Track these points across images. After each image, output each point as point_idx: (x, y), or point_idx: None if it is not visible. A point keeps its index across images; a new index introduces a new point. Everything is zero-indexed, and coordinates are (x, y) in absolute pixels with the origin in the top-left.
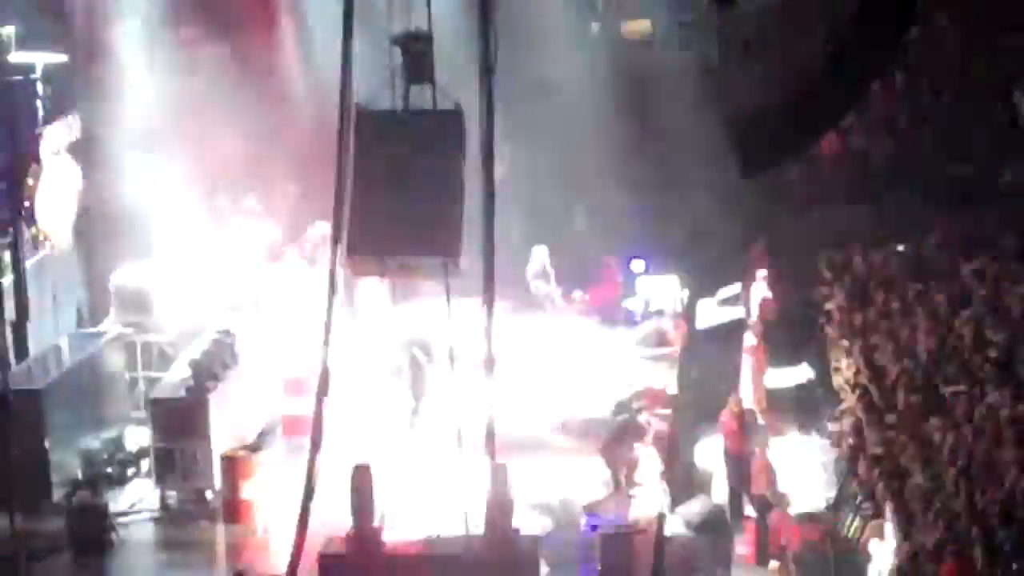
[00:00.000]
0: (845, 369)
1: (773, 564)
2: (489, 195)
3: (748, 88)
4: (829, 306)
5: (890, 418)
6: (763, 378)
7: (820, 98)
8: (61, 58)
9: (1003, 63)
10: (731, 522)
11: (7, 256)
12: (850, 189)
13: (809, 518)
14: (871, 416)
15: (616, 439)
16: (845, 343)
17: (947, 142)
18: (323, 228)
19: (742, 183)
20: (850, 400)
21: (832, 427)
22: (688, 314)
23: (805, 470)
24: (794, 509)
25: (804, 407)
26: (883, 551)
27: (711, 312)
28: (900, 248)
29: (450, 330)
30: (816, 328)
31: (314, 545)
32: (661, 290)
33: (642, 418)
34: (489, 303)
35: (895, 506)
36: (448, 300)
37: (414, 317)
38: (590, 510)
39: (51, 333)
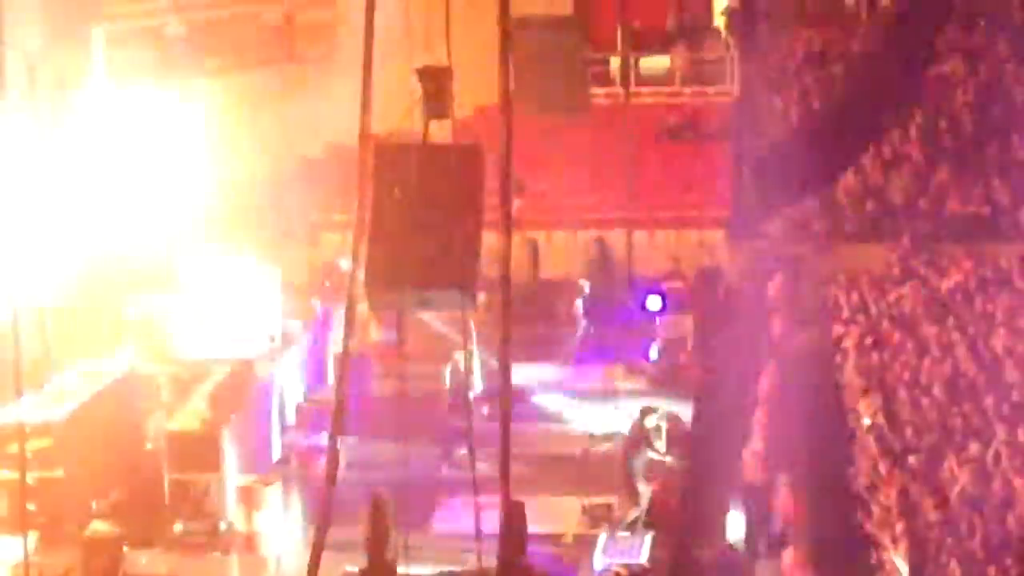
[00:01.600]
0: (861, 408)
1: None
2: (506, 229)
3: (769, 123)
4: (845, 344)
5: (906, 458)
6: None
7: (839, 134)
8: None
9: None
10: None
11: None
12: (867, 226)
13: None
14: (887, 458)
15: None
16: (861, 382)
17: (964, 180)
18: (342, 263)
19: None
20: (866, 440)
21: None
22: (701, 352)
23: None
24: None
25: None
26: None
27: (724, 349)
28: (917, 286)
29: (468, 363)
30: (833, 367)
31: None
32: (678, 327)
33: (651, 422)
34: (505, 336)
35: (909, 545)
36: (464, 336)
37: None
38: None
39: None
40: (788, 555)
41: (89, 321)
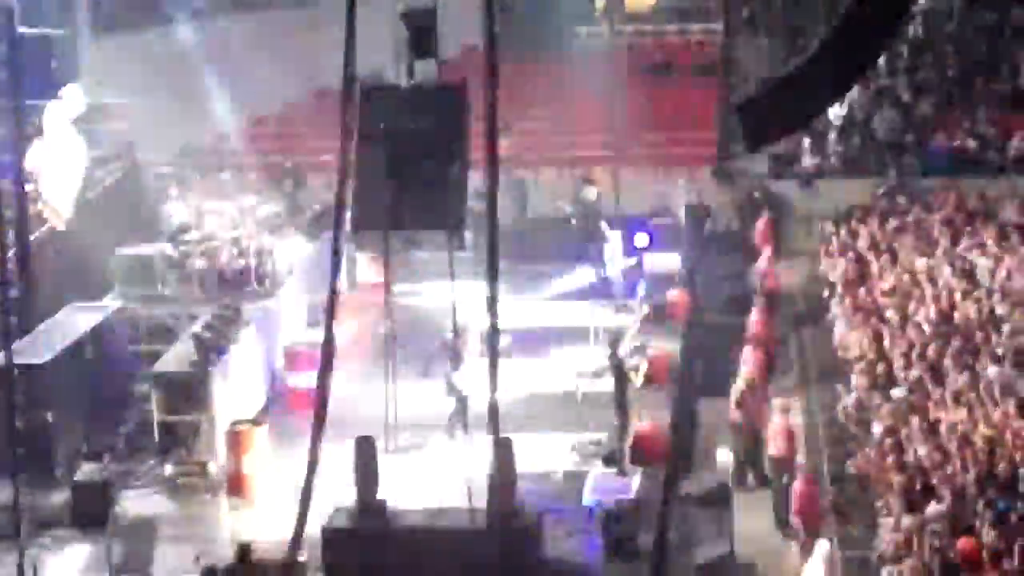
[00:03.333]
0: (851, 343)
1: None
2: (492, 167)
3: (753, 61)
4: (833, 279)
5: (895, 392)
6: (771, 350)
7: (824, 70)
8: (66, 31)
9: (1007, 37)
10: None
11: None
12: (853, 161)
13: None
14: (876, 391)
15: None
16: (850, 317)
17: (950, 114)
18: (327, 201)
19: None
20: (855, 373)
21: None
22: (691, 288)
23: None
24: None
25: (808, 380)
26: (885, 525)
27: (713, 286)
28: (906, 220)
29: (454, 303)
30: (821, 302)
31: (317, 518)
32: (664, 264)
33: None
34: (492, 276)
35: (899, 479)
36: (452, 274)
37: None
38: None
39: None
40: (797, 482)
41: (79, 263)
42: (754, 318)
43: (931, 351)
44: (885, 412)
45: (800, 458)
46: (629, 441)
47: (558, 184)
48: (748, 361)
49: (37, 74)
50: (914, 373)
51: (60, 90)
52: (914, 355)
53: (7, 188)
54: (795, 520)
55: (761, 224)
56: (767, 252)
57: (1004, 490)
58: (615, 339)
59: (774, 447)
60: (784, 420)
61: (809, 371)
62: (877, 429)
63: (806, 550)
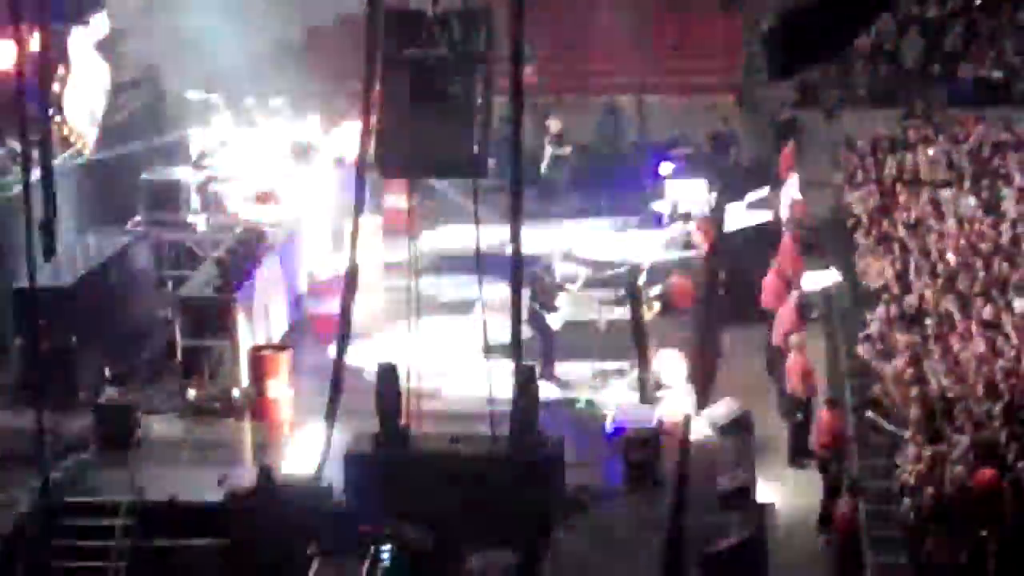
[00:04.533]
0: (874, 275)
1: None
2: (516, 94)
3: None
4: (857, 210)
5: (918, 323)
6: (798, 280)
7: None
8: None
9: None
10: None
11: (36, 154)
12: (879, 91)
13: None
14: (899, 322)
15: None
16: (874, 248)
17: (978, 43)
18: (352, 128)
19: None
20: (879, 306)
21: (860, 333)
22: (716, 217)
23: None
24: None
25: (832, 313)
26: (905, 456)
27: (740, 215)
28: (931, 151)
29: (477, 237)
30: (845, 233)
31: (340, 444)
32: (689, 192)
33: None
34: (516, 206)
35: (921, 412)
36: (476, 209)
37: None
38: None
39: (79, 231)
40: (821, 412)
41: (103, 188)
42: (783, 245)
43: (955, 282)
44: (907, 343)
45: (823, 388)
46: (648, 370)
47: (582, 111)
48: (772, 289)
49: None
50: (938, 304)
51: (85, 14)
52: (938, 286)
53: (32, 113)
54: (819, 450)
55: (786, 152)
56: (795, 179)
57: None
58: (633, 269)
59: (789, 384)
60: (800, 356)
61: (832, 302)
62: (899, 360)
63: (830, 478)
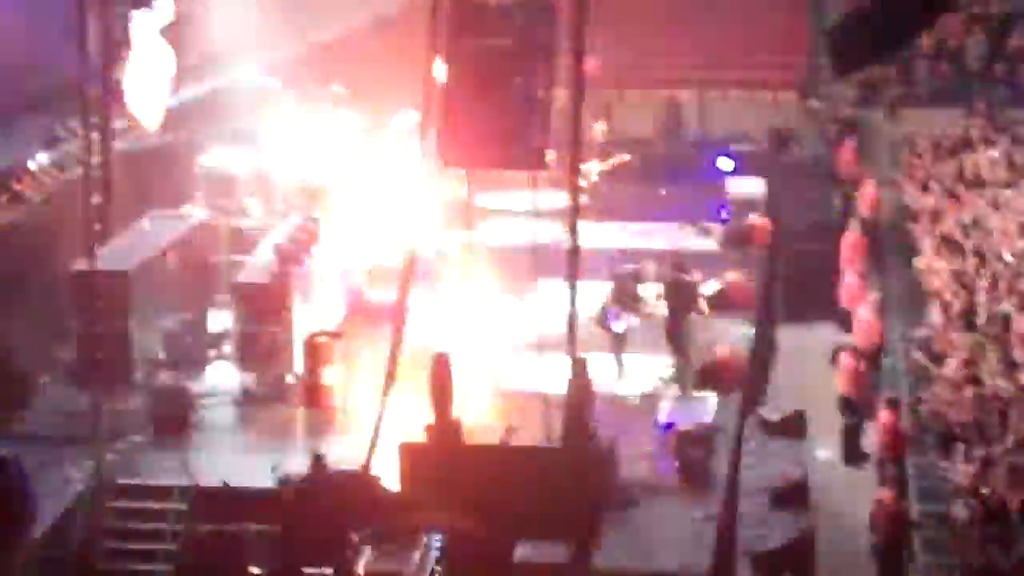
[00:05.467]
0: (933, 273)
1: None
2: (577, 88)
3: None
4: (917, 209)
5: (976, 322)
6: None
7: None
8: None
9: None
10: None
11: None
12: (942, 90)
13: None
14: (957, 321)
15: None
16: (933, 248)
17: None
18: (412, 117)
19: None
20: (937, 304)
21: (918, 332)
22: (773, 212)
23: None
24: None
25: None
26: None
27: (797, 211)
28: (992, 151)
29: (535, 230)
30: (906, 231)
31: (393, 433)
32: (749, 188)
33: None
34: (574, 200)
35: (975, 410)
36: (535, 203)
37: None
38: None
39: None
40: (881, 411)
41: (163, 172)
42: (850, 241)
43: (1014, 284)
44: (964, 344)
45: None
46: (695, 368)
47: (644, 106)
48: (852, 289)
49: None
50: (996, 306)
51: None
52: (996, 287)
53: (95, 96)
54: (878, 449)
55: (846, 150)
56: (871, 180)
57: None
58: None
59: (842, 386)
60: (852, 360)
61: (891, 302)
62: (954, 361)
63: (888, 478)
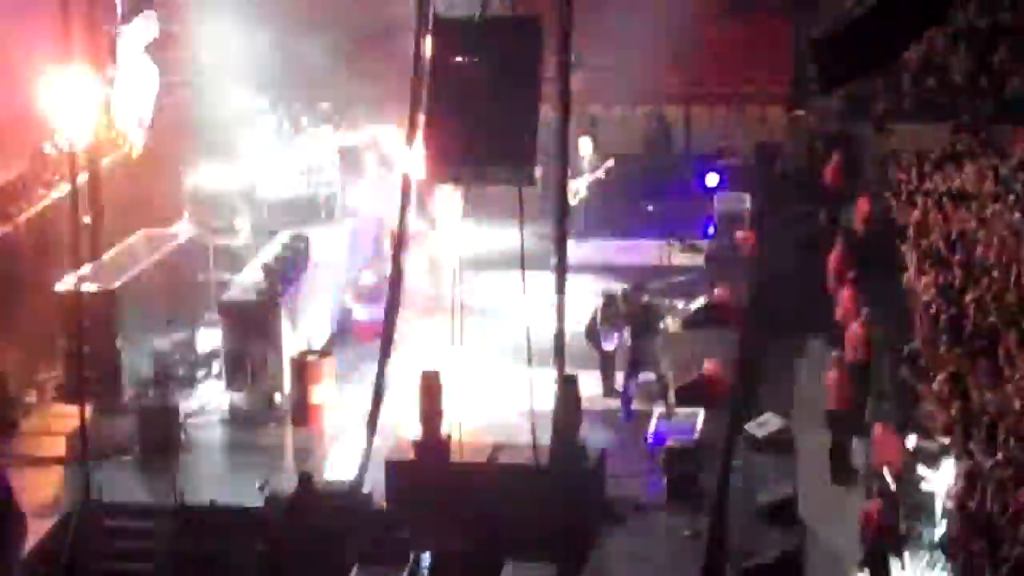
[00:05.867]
0: (920, 288)
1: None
2: (563, 103)
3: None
4: (904, 223)
5: (963, 339)
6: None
7: (902, 10)
8: None
9: None
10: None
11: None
12: (929, 104)
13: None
14: (945, 335)
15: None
16: (920, 261)
17: None
18: (398, 135)
19: None
20: (923, 318)
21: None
22: (759, 227)
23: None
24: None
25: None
26: (943, 472)
27: (783, 226)
28: (978, 165)
29: (521, 242)
30: (892, 245)
31: (382, 450)
32: (735, 203)
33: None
34: (561, 213)
35: (962, 427)
36: (521, 209)
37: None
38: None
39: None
40: (877, 429)
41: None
42: (837, 255)
43: (1001, 298)
44: (951, 358)
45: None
46: (674, 386)
47: (630, 120)
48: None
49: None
50: (983, 320)
51: (135, 16)
52: (983, 301)
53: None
54: (877, 466)
55: (832, 165)
56: (866, 194)
57: None
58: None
59: (830, 400)
60: (839, 373)
61: (878, 316)
62: (941, 376)
63: (876, 490)
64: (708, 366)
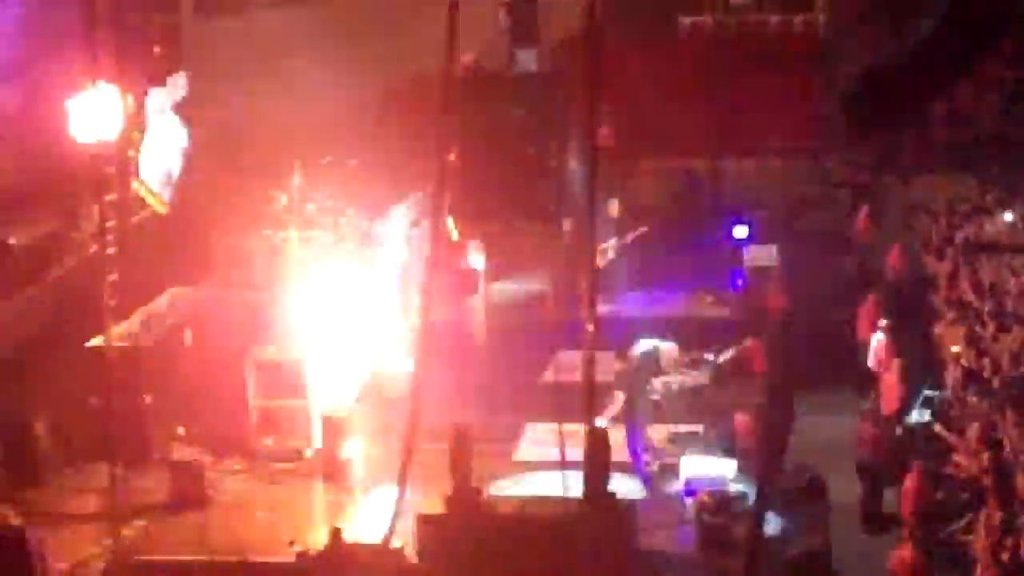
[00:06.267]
0: (949, 338)
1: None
2: (593, 155)
3: (858, 52)
4: (933, 273)
5: (993, 388)
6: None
7: (932, 62)
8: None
9: None
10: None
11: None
12: (957, 156)
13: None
14: (974, 385)
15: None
16: (950, 313)
17: None
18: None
19: None
20: (953, 371)
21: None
22: (786, 281)
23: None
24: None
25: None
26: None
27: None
28: (1008, 215)
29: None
30: (922, 295)
31: (413, 505)
32: (764, 256)
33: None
34: (591, 265)
35: (994, 476)
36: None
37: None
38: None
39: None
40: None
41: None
42: (869, 306)
43: None
44: (981, 408)
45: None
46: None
47: (658, 174)
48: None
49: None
50: (1013, 370)
51: (163, 76)
52: (1013, 350)
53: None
54: (902, 513)
55: (861, 216)
56: (898, 246)
57: None
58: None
59: (860, 451)
60: (867, 424)
61: (910, 367)
62: (973, 426)
63: (916, 544)
64: (739, 417)
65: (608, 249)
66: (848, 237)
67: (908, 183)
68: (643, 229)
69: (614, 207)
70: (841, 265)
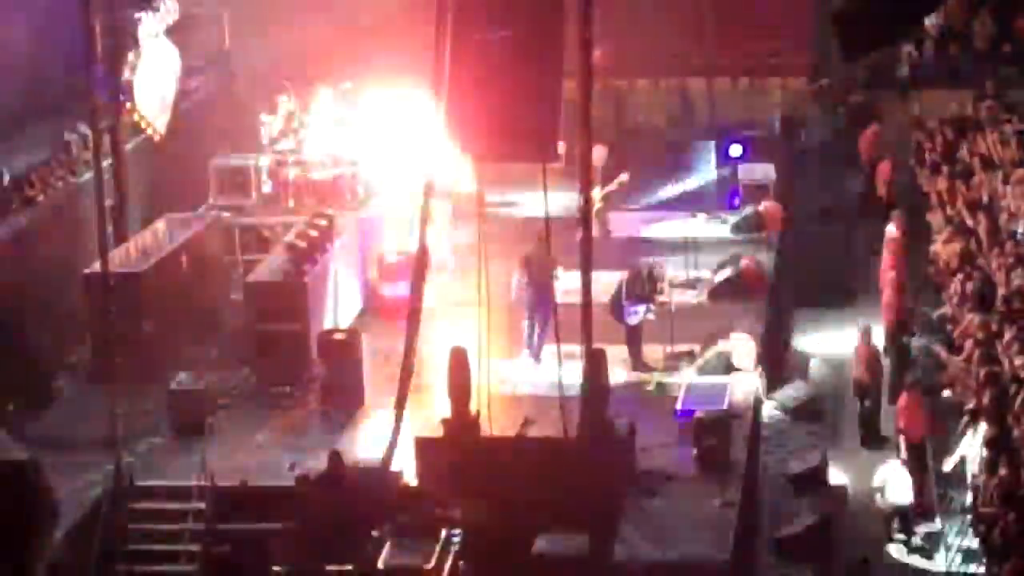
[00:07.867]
0: (947, 253)
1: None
2: (586, 77)
3: None
4: (930, 190)
5: (989, 303)
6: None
7: None
8: None
9: None
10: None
11: (107, 140)
12: (950, 71)
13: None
14: (971, 302)
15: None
16: (948, 228)
17: None
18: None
19: None
20: (952, 285)
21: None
22: (786, 198)
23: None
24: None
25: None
26: (972, 439)
27: (808, 196)
28: (1004, 130)
29: (545, 215)
30: (921, 213)
31: (411, 428)
32: (759, 174)
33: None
34: (585, 191)
35: (991, 393)
36: (545, 189)
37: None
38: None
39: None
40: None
41: (173, 174)
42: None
43: None
44: (978, 324)
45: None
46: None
47: (654, 95)
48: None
49: None
50: (1010, 285)
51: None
52: (1008, 266)
53: (102, 99)
54: (901, 433)
55: (868, 134)
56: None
57: None
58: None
59: (856, 369)
60: (864, 344)
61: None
62: (969, 342)
63: (912, 456)
64: (745, 262)
65: (593, 198)
66: (853, 155)
67: (904, 99)
68: (624, 178)
69: (600, 153)
70: (838, 183)
